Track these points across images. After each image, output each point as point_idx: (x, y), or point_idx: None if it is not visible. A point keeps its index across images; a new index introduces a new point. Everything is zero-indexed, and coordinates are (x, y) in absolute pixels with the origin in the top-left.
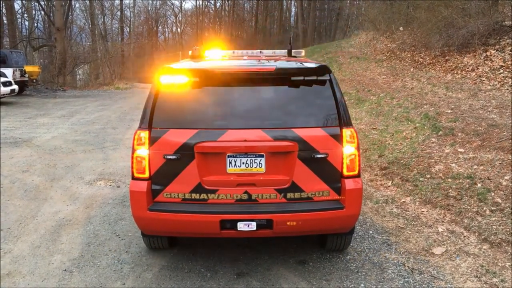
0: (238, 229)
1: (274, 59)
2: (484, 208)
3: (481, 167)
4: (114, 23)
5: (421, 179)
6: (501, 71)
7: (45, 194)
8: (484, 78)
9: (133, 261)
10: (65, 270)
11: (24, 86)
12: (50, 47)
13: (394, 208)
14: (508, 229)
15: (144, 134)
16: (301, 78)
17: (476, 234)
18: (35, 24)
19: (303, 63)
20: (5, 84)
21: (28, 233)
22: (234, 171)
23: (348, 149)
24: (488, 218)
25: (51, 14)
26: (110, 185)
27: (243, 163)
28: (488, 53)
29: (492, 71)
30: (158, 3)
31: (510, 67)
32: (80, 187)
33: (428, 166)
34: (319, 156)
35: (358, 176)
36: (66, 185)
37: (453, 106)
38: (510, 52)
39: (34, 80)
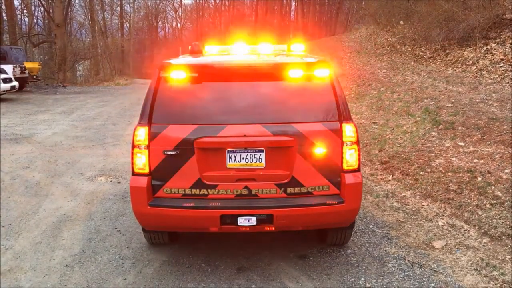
0: (239, 224)
1: (274, 54)
2: (484, 202)
3: (482, 161)
4: (114, 19)
5: (421, 173)
6: (502, 64)
7: (46, 190)
8: (484, 72)
9: (134, 256)
10: (67, 265)
11: (24, 82)
12: (50, 43)
13: (395, 202)
14: (508, 223)
15: (144, 130)
16: (301, 73)
17: (476, 227)
18: (35, 20)
19: (303, 58)
20: (5, 80)
21: (29, 229)
22: (234, 166)
23: (348, 144)
24: (488, 211)
25: (51, 10)
26: (111, 181)
27: (243, 158)
28: (488, 47)
29: (492, 65)
30: None
31: (511, 60)
32: (81, 183)
33: (428, 160)
34: (318, 150)
35: (358, 170)
36: (67, 181)
37: (453, 100)
38: (511, 46)
39: (34, 77)
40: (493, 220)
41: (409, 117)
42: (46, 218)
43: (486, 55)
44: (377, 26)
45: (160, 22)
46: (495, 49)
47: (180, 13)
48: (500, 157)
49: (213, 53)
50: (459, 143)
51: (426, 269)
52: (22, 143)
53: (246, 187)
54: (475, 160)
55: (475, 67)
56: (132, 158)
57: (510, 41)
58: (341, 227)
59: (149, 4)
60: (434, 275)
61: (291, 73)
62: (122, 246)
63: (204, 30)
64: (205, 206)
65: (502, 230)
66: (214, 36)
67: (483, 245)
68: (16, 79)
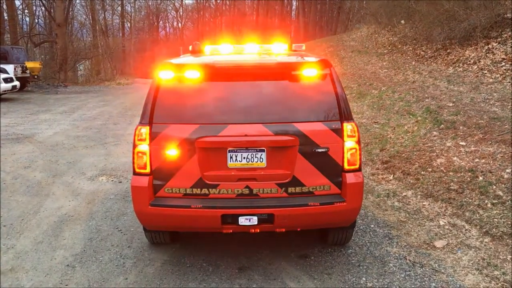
0: (240, 223)
1: (274, 54)
2: (486, 201)
3: (483, 160)
4: (115, 19)
5: (422, 172)
6: (503, 64)
7: (47, 190)
8: (486, 71)
9: (135, 256)
10: (68, 265)
11: (25, 82)
12: (51, 43)
13: (396, 201)
14: (509, 222)
15: (145, 130)
16: (302, 72)
17: (478, 227)
18: (36, 20)
19: (304, 57)
20: (7, 80)
21: (30, 229)
22: (235, 166)
23: (349, 143)
24: (490, 211)
25: (52, 10)
26: (112, 180)
27: (244, 157)
28: (489, 46)
29: (494, 64)
30: None
31: None
32: (82, 183)
33: (429, 159)
34: (320, 150)
35: (359, 170)
36: (68, 180)
37: (454, 100)
38: None
39: (36, 76)
40: (495, 219)
41: (410, 116)
42: (47, 217)
43: (487, 54)
44: (378, 26)
45: (161, 22)
46: (496, 48)
47: (181, 13)
48: (502, 156)
49: (214, 52)
50: (460, 143)
51: (427, 269)
52: (23, 142)
53: (247, 186)
54: (476, 160)
55: (476, 67)
56: (133, 158)
57: (511, 41)
58: (342, 226)
59: (150, 3)
60: (435, 275)
61: (292, 73)
62: (123, 245)
63: (205, 30)
64: (206, 206)
65: (503, 230)
66: (215, 36)
67: (485, 245)
68: (17, 78)
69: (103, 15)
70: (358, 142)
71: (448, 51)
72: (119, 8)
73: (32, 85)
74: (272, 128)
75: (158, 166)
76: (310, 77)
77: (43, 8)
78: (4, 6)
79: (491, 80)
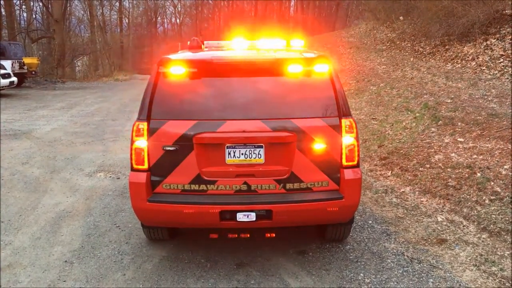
0: (238, 219)
1: (273, 50)
2: (484, 198)
3: (481, 157)
4: (113, 14)
5: (420, 168)
6: (501, 60)
7: (45, 186)
8: (484, 67)
9: (134, 252)
10: (66, 261)
11: (23, 78)
12: (49, 38)
13: (394, 198)
14: (507, 218)
15: (143, 126)
16: (300, 68)
17: (475, 223)
18: (34, 16)
19: (302, 54)
20: (4, 76)
21: (28, 225)
22: (233, 162)
23: (347, 139)
24: (488, 207)
25: (50, 6)
26: (110, 176)
27: (242, 154)
28: (488, 42)
29: (492, 60)
30: None
31: (510, 56)
32: (80, 179)
33: (427, 155)
34: (318, 146)
35: (357, 166)
36: (66, 177)
37: (453, 96)
38: (510, 41)
39: (33, 72)
40: (492, 215)
41: (409, 112)
42: (45, 213)
43: (485, 50)
44: (377, 22)
45: (159, 18)
46: (494, 44)
47: (179, 9)
48: (499, 153)
49: (212, 48)
50: (459, 139)
51: (425, 265)
52: (21, 138)
53: (245, 182)
54: (474, 156)
55: (474, 63)
56: (131, 154)
57: (510, 37)
58: (340, 222)
59: None
60: (433, 271)
61: (290, 69)
62: (121, 241)
63: (203, 26)
64: (204, 202)
65: (501, 226)
66: (213, 32)
67: (482, 241)
68: (15, 74)
69: (101, 11)
70: (356, 138)
71: (447, 47)
72: (117, 3)
73: (30, 81)
74: (270, 124)
75: (156, 162)
76: (308, 73)
77: (40, 4)
78: (2, 2)
79: (489, 76)
